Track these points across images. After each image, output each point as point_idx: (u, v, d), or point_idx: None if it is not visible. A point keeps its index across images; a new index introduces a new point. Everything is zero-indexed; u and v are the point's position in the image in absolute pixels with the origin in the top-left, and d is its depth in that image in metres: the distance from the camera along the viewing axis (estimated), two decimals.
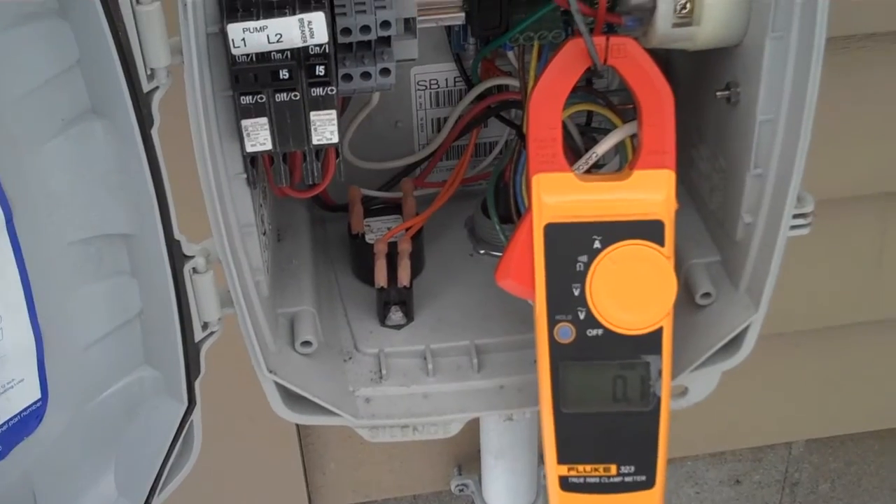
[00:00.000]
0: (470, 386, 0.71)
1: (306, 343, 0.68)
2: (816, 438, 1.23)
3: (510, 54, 0.73)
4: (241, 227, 0.61)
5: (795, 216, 0.64)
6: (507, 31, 0.68)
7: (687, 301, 0.71)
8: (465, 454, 1.10)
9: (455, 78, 0.78)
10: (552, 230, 0.61)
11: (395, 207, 0.77)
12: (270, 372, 0.65)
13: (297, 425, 1.06)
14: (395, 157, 0.79)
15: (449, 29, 0.74)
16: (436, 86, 0.78)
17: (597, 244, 0.62)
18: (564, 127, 0.68)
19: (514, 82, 0.75)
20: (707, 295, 0.70)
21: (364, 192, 0.77)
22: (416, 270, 0.75)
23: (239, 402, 0.91)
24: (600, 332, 0.63)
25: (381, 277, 0.71)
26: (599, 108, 0.69)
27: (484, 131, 0.80)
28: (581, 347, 0.63)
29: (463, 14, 0.66)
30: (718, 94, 0.67)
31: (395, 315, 0.72)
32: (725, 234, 0.70)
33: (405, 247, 0.72)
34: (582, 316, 0.63)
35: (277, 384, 0.66)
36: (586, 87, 0.71)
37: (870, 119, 0.93)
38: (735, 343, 0.69)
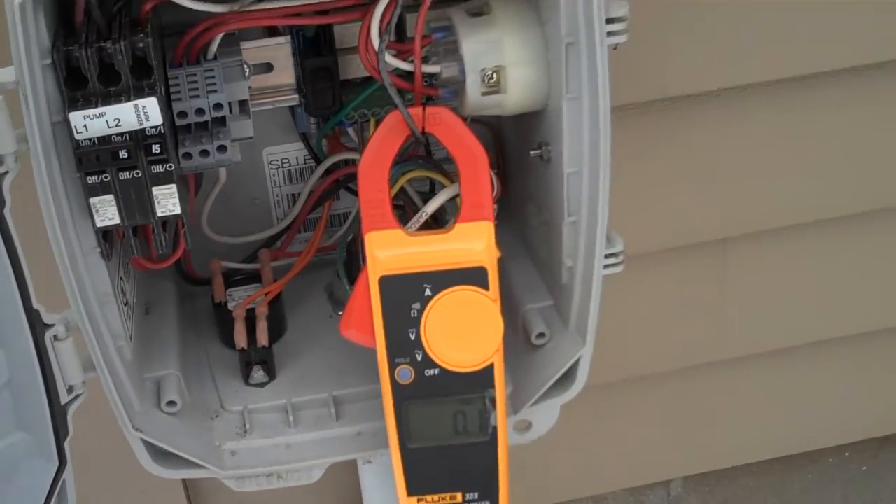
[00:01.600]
0: (329, 434, 0.77)
1: (171, 403, 0.73)
2: (692, 477, 1.30)
3: (350, 130, 0.80)
4: (99, 296, 0.67)
5: (608, 256, 0.72)
6: (341, 109, 0.76)
7: (525, 343, 0.78)
8: None
9: (305, 156, 0.85)
10: (386, 282, 0.68)
11: (256, 277, 0.83)
12: (136, 430, 0.70)
13: (186, 490, 1.10)
14: (256, 231, 0.85)
15: (292, 110, 0.81)
16: (287, 164, 0.85)
17: (428, 291, 0.68)
18: (405, 192, 0.76)
19: (357, 156, 0.82)
20: (541, 335, 0.77)
21: (225, 265, 0.83)
22: (277, 333, 0.82)
23: (125, 464, 0.96)
24: (437, 371, 0.69)
25: (240, 339, 0.77)
26: (433, 173, 0.76)
27: (337, 203, 0.86)
28: (421, 387, 0.69)
29: (297, 95, 0.74)
30: (532, 153, 0.74)
31: (258, 374, 0.78)
32: (554, 279, 0.77)
33: (262, 310, 0.78)
34: (419, 358, 0.69)
35: (144, 441, 0.71)
36: (425, 157, 0.78)
37: (698, 170, 1.02)
38: (569, 377, 0.76)
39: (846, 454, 1.34)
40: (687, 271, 1.08)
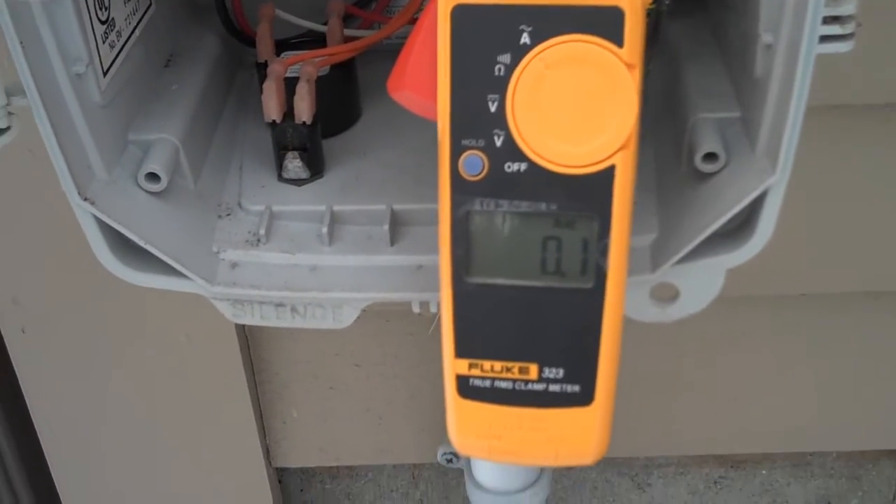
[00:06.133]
0: (376, 261, 0.52)
1: (152, 176, 0.50)
2: None
3: None
4: None
5: (828, 20, 0.44)
6: None
7: (686, 170, 0.51)
8: None
9: None
10: (462, 15, 0.42)
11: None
12: (85, 199, 0.48)
13: (251, 362, 0.88)
14: None
15: None
16: None
17: (525, 38, 0.42)
18: None
19: None
20: (712, 157, 0.49)
21: (283, 16, 0.59)
22: (342, 118, 0.58)
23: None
24: (523, 166, 0.43)
25: (271, 106, 0.53)
26: None
27: None
28: (495, 187, 0.44)
29: None
30: None
31: (293, 164, 0.54)
32: (746, 75, 0.50)
33: (308, 70, 0.54)
34: (499, 141, 0.43)
35: (98, 220, 0.49)
36: None
37: None
38: (747, 224, 0.49)
39: None
40: None
